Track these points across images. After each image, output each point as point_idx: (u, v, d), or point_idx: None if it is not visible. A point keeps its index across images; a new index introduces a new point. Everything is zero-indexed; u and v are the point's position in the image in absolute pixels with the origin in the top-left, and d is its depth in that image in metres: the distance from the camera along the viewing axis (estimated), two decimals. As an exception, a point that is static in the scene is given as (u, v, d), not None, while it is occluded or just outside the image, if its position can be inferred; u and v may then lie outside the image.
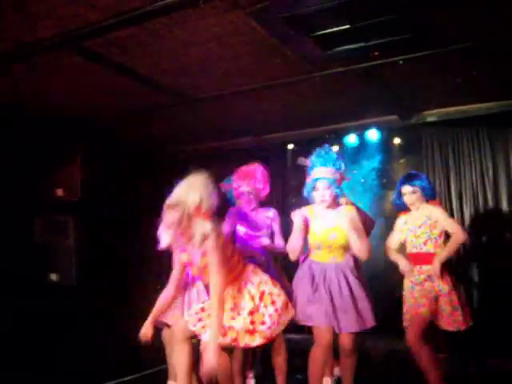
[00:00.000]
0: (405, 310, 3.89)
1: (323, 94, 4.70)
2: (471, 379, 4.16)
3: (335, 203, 3.60)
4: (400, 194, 4.05)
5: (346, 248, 3.57)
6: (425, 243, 3.86)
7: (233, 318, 3.23)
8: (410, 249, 3.96)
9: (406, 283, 3.93)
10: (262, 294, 3.32)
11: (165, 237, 3.20)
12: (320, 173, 3.56)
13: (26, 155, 5.31)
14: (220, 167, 6.07)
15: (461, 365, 4.27)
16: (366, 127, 5.77)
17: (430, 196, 3.99)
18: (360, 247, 3.43)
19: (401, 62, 3.88)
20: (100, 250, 5.70)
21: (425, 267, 3.82)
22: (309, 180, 3.63)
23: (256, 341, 3.26)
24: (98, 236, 5.74)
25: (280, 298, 3.35)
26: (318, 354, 3.46)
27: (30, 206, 5.38)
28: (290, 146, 6.35)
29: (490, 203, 5.44)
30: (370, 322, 3.43)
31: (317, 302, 3.46)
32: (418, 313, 3.72)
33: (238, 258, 3.38)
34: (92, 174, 5.89)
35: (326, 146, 3.75)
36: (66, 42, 3.39)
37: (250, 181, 4.07)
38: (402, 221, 4.07)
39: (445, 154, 5.65)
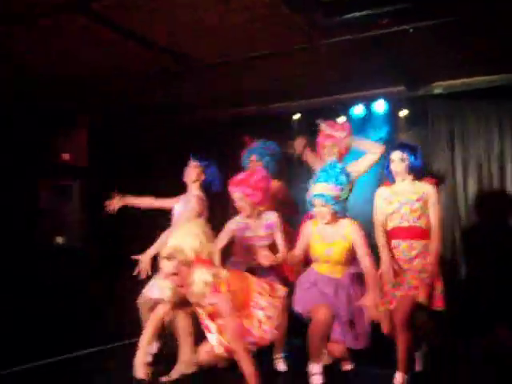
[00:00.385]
0: (387, 289, 3.59)
1: (330, 62, 4.64)
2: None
3: (335, 219, 3.59)
4: (389, 161, 3.79)
5: (346, 265, 3.62)
6: (419, 217, 3.65)
7: None
8: (399, 222, 3.66)
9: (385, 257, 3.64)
10: (266, 317, 3.28)
11: (159, 288, 2.97)
12: (318, 189, 3.55)
13: (33, 119, 5.32)
14: (225, 137, 6.18)
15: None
16: (373, 98, 5.71)
17: (417, 173, 3.76)
18: (364, 261, 3.49)
19: (411, 30, 3.79)
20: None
21: (416, 242, 3.63)
22: (308, 195, 3.65)
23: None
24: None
25: (275, 310, 3.33)
26: (315, 329, 3.49)
27: (35, 169, 5.41)
28: (296, 116, 6.30)
29: (495, 178, 5.41)
30: (356, 343, 3.53)
31: (312, 290, 3.58)
32: (409, 295, 3.51)
33: (241, 285, 3.25)
34: (99, 140, 5.88)
35: (334, 160, 3.80)
36: (71, 4, 3.36)
37: (241, 187, 3.96)
38: (386, 192, 3.76)
39: (450, 128, 5.59)
